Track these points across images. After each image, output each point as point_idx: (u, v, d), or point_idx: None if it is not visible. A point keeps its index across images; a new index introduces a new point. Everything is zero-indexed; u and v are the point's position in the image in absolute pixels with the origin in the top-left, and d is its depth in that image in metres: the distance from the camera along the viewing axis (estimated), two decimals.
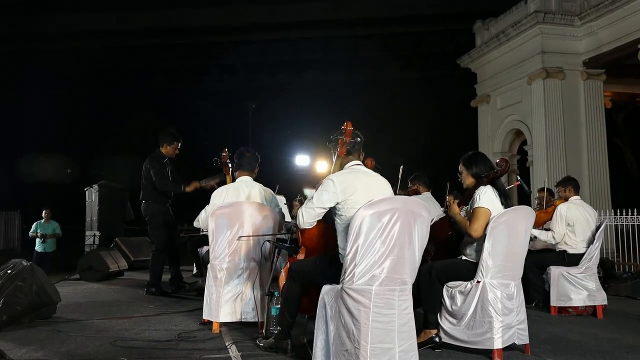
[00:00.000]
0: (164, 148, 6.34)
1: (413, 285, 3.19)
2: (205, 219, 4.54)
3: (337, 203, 3.26)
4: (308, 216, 3.32)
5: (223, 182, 5.33)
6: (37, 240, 10.12)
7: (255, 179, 4.70)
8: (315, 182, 3.66)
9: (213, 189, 4.75)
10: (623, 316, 5.39)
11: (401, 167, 5.05)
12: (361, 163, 3.51)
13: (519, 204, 5.57)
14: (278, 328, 3.56)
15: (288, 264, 3.66)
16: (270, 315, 3.81)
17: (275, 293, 3.85)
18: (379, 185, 3.38)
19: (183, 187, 6.12)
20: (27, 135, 22.86)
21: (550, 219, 5.68)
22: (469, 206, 3.83)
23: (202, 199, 4.83)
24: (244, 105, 20.16)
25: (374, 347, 2.92)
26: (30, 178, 21.33)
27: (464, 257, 3.77)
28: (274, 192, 4.89)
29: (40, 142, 22.10)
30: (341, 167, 3.48)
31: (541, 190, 6.70)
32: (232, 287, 4.20)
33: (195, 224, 5.08)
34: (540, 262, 5.50)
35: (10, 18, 21.49)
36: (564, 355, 3.67)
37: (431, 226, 3.30)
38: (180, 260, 6.61)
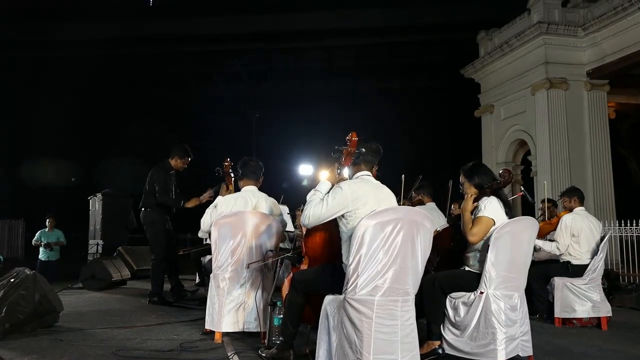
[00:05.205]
0: (174, 160, 6.35)
1: (416, 295, 3.18)
2: (208, 223, 4.51)
3: (347, 212, 3.24)
4: (314, 220, 3.25)
5: (216, 193, 5.31)
6: (41, 248, 10.11)
7: (259, 188, 4.70)
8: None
9: (209, 202, 4.74)
10: (628, 328, 5.36)
11: (402, 176, 5.03)
12: (370, 174, 3.49)
13: (523, 214, 5.55)
14: (280, 338, 3.54)
15: (291, 274, 3.65)
16: (272, 326, 3.80)
17: (278, 303, 3.84)
18: (386, 197, 3.38)
19: (183, 203, 6.14)
20: (31, 143, 22.95)
21: (554, 230, 5.66)
22: (473, 215, 3.80)
23: (204, 207, 4.81)
24: (247, 113, 20.21)
25: (377, 358, 2.91)
26: (34, 186, 21.38)
27: (467, 268, 3.76)
28: (279, 202, 4.88)
29: (44, 150, 22.17)
30: (350, 178, 3.47)
31: (544, 201, 6.67)
32: (234, 297, 4.19)
33: (200, 233, 5.07)
34: (544, 273, 5.48)
35: (17, 26, 21.67)
36: None
37: (434, 236, 3.29)
38: (179, 269, 6.61)
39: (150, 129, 21.25)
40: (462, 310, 3.58)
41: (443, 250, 4.14)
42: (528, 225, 3.71)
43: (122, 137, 23.00)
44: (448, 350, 3.60)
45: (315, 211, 3.26)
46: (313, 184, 3.59)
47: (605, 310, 5.26)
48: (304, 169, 17.77)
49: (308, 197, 3.39)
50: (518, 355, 3.52)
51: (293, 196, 7.88)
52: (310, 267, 3.60)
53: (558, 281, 5.32)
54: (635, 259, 8.58)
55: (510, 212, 3.76)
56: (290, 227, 5.81)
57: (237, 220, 4.24)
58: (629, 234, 8.83)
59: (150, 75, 25.36)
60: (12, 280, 4.47)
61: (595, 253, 5.36)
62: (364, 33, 23.01)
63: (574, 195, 5.77)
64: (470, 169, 3.89)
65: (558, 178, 11.88)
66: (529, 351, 3.57)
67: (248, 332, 4.21)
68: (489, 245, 3.53)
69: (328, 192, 3.36)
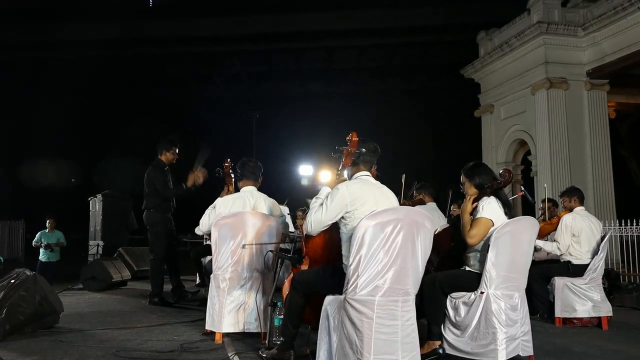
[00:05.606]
0: (163, 156, 6.35)
1: (416, 296, 3.18)
2: (207, 223, 4.52)
3: (346, 212, 3.25)
4: (317, 226, 3.29)
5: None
6: (41, 249, 10.10)
7: (259, 189, 4.71)
8: (316, 192, 3.65)
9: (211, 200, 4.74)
10: (628, 328, 5.36)
11: (403, 175, 5.04)
12: (369, 174, 3.50)
13: (523, 214, 5.52)
14: (281, 339, 3.54)
15: (291, 274, 3.65)
16: (273, 326, 3.79)
17: (278, 303, 3.84)
18: (386, 197, 3.38)
19: (185, 186, 6.14)
20: (31, 143, 22.95)
21: (555, 230, 5.66)
22: (472, 216, 3.81)
23: (204, 208, 4.81)
24: (247, 113, 20.21)
25: (377, 358, 2.91)
26: (34, 186, 21.38)
27: (467, 268, 3.75)
28: (284, 205, 4.89)
29: (44, 150, 22.17)
30: (349, 178, 3.48)
31: (545, 201, 6.67)
32: (235, 298, 4.18)
33: (197, 230, 5.07)
34: (544, 273, 5.48)
35: (17, 26, 21.64)
36: None
37: (434, 237, 3.29)
38: (180, 270, 6.61)
39: (150, 129, 21.20)
40: (462, 310, 3.58)
41: (443, 250, 4.14)
42: (528, 225, 3.71)
43: (122, 137, 22.99)
44: (448, 350, 3.60)
45: (316, 217, 3.27)
46: (313, 183, 3.60)
47: (605, 310, 5.26)
48: (304, 170, 17.76)
49: (310, 205, 3.41)
50: (518, 355, 3.52)
51: (293, 196, 7.89)
52: (310, 268, 3.60)
53: (558, 281, 5.33)
54: (636, 259, 8.58)
55: (510, 212, 3.75)
56: (291, 227, 5.81)
57: (237, 221, 4.24)
58: (629, 234, 8.84)
59: (150, 75, 25.35)
60: (12, 281, 4.47)
61: (595, 253, 5.36)
62: (364, 34, 22.98)
63: (574, 195, 5.77)
64: (472, 169, 3.89)
65: (558, 178, 11.88)
66: (529, 351, 3.57)
67: (248, 332, 4.20)
68: (489, 246, 3.53)
69: None
